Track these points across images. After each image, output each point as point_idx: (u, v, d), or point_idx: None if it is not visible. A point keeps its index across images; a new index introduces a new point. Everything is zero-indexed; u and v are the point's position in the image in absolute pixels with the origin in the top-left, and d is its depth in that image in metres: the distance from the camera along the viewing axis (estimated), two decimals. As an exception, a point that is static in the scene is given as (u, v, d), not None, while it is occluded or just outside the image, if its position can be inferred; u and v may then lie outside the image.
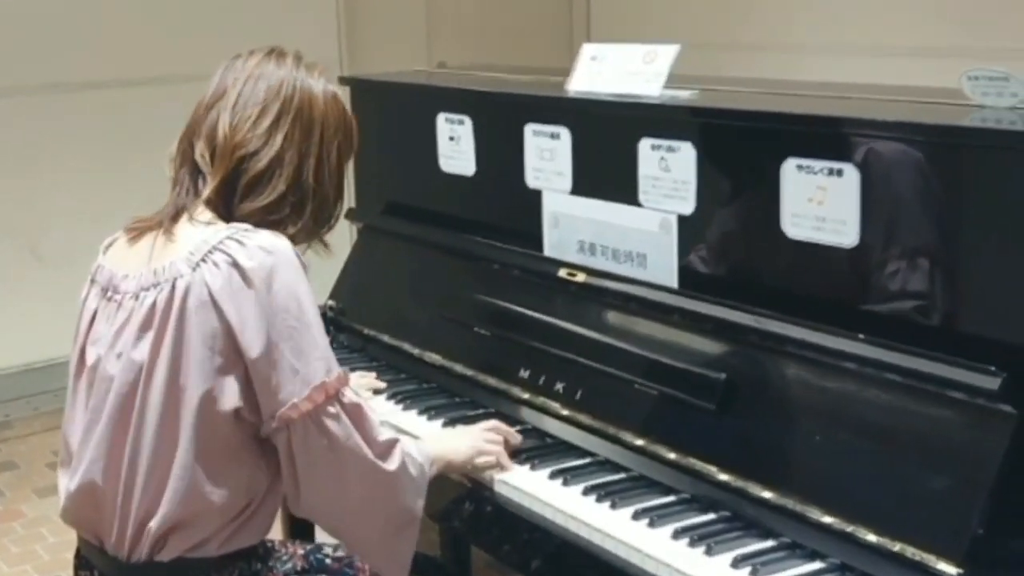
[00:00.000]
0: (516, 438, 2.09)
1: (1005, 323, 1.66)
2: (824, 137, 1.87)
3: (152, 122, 4.74)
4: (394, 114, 2.89)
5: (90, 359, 1.78)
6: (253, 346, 1.66)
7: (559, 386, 2.17)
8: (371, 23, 5.22)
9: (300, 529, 2.56)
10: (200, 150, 1.79)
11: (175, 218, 1.78)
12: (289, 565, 1.89)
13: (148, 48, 4.74)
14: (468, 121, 2.57)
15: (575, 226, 2.33)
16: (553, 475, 1.99)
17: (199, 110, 1.83)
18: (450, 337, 2.45)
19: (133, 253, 1.79)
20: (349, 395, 1.74)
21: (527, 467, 2.03)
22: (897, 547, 1.62)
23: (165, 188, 1.84)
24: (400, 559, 1.84)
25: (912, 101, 2.03)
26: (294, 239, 1.77)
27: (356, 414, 1.74)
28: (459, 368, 2.39)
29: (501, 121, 2.50)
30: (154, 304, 1.70)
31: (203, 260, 1.69)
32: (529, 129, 2.40)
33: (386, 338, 2.61)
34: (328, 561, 1.95)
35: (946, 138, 1.74)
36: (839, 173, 1.81)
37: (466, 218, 2.61)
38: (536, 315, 2.29)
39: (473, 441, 2.03)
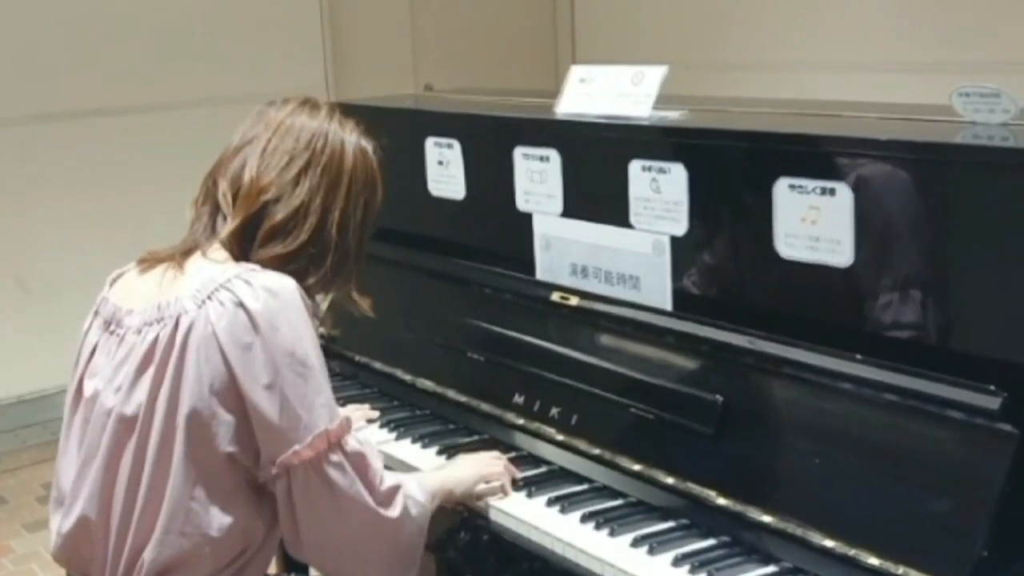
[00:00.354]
0: (515, 473, 2.06)
1: (1004, 341, 1.65)
2: (816, 156, 1.85)
3: (137, 151, 4.75)
4: (382, 139, 2.86)
5: (87, 392, 1.76)
6: (254, 390, 1.64)
7: (554, 411, 2.15)
8: (357, 47, 5.22)
9: (295, 562, 2.52)
10: (223, 189, 1.77)
11: (188, 254, 1.76)
12: None
13: (133, 77, 4.71)
14: (457, 145, 2.55)
15: (567, 249, 2.31)
16: (550, 502, 1.97)
17: (227, 152, 1.82)
18: (443, 363, 2.43)
19: (140, 286, 1.78)
20: (352, 443, 1.72)
21: (523, 494, 2.01)
22: (900, 571, 1.60)
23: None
24: None
25: (904, 118, 2.02)
26: (310, 290, 1.76)
27: (359, 462, 1.72)
28: (452, 394, 2.37)
29: (490, 144, 2.49)
30: (156, 340, 1.69)
31: (209, 298, 1.67)
32: (519, 152, 2.38)
33: (378, 365, 2.58)
34: None
35: (939, 155, 1.73)
36: (832, 192, 1.80)
37: (457, 242, 2.59)
38: (530, 339, 2.27)
39: (476, 468, 2.01)
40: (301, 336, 1.67)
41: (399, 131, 2.81)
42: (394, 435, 2.31)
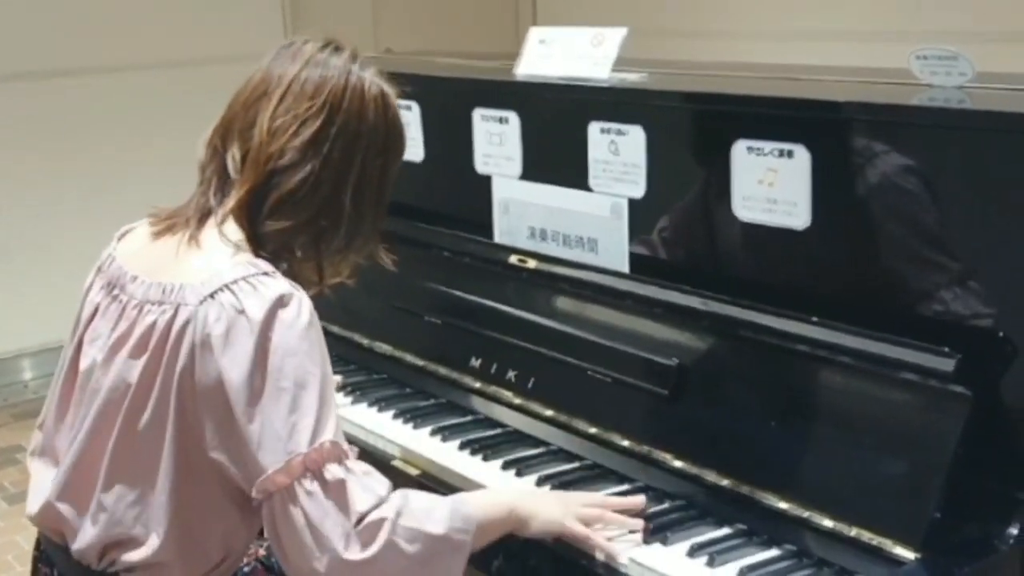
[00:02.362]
0: (636, 524, 1.75)
1: (959, 303, 1.65)
2: (774, 118, 1.85)
3: (94, 112, 4.69)
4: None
5: (84, 360, 1.67)
6: (238, 401, 1.53)
7: (511, 375, 2.14)
8: (316, 9, 5.16)
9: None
10: (232, 152, 1.64)
11: (201, 222, 1.65)
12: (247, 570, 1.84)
13: (92, 39, 4.66)
14: (416, 107, 2.53)
15: (525, 212, 2.30)
16: (506, 466, 1.96)
17: (236, 105, 1.68)
18: (400, 327, 2.41)
19: (150, 252, 1.67)
20: (334, 470, 1.53)
21: (479, 458, 2.00)
22: (854, 532, 1.61)
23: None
24: None
25: (861, 81, 2.02)
26: (324, 262, 1.67)
27: (337, 491, 1.53)
28: (410, 358, 2.35)
29: (449, 107, 2.46)
30: (154, 325, 1.58)
31: (211, 296, 1.55)
32: (478, 114, 2.36)
33: (336, 329, 2.55)
34: None
35: (896, 117, 1.73)
36: (790, 154, 1.79)
37: (415, 205, 2.56)
38: (487, 303, 2.25)
39: (570, 504, 1.76)
40: (296, 352, 1.54)
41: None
42: (350, 399, 2.29)
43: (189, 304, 1.56)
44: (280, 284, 1.58)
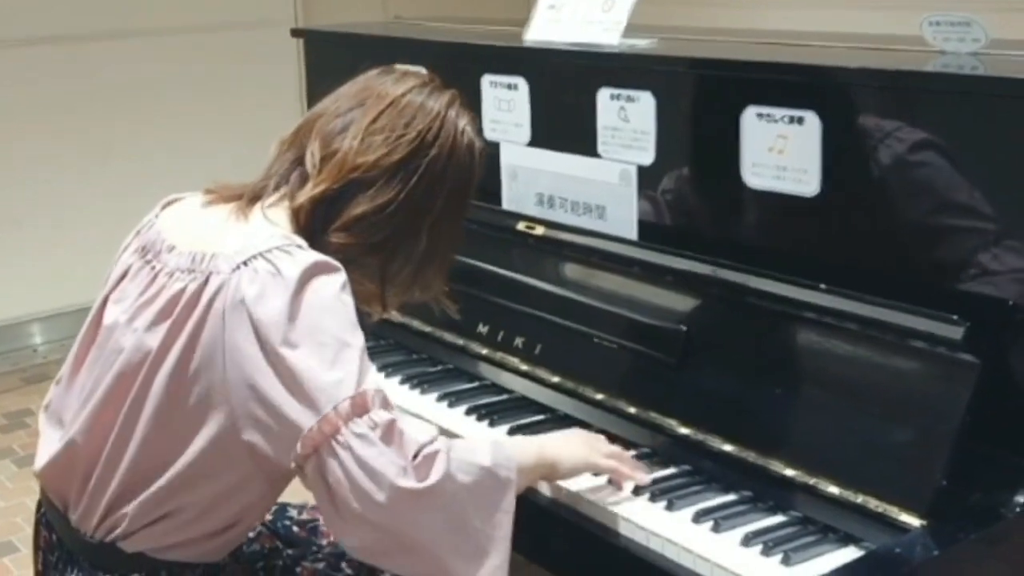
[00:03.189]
0: (643, 479, 1.79)
1: (968, 272, 1.64)
2: (784, 85, 1.84)
3: (101, 79, 4.68)
4: (349, 66, 2.80)
5: (107, 319, 1.64)
6: (275, 358, 1.47)
7: (518, 341, 2.14)
8: (326, -25, 5.14)
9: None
10: (313, 147, 1.62)
11: (254, 200, 1.62)
12: (256, 546, 1.83)
13: (105, 2, 4.64)
14: (424, 73, 2.51)
15: (533, 179, 2.29)
16: (511, 431, 1.96)
17: (331, 105, 1.67)
18: (407, 293, 2.41)
19: (194, 222, 1.64)
20: (379, 413, 1.49)
21: (485, 423, 2.00)
22: (860, 499, 1.61)
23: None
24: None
25: (873, 48, 2.00)
26: (386, 288, 1.65)
27: (387, 431, 1.49)
28: (416, 324, 2.35)
29: (457, 72, 2.43)
30: (183, 291, 1.55)
31: (245, 264, 1.52)
32: (486, 80, 2.35)
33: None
34: (295, 528, 1.89)
35: (908, 83, 1.71)
36: (800, 121, 1.78)
37: (423, 172, 2.56)
38: (495, 269, 2.25)
39: (587, 447, 1.78)
40: (334, 311, 1.50)
41: (366, 59, 2.76)
42: (357, 364, 2.29)
43: (221, 272, 1.53)
44: (315, 254, 1.54)
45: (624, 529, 1.69)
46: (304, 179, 1.62)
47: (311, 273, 1.51)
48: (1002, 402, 1.59)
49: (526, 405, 2.06)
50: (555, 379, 2.05)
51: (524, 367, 2.11)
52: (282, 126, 1.75)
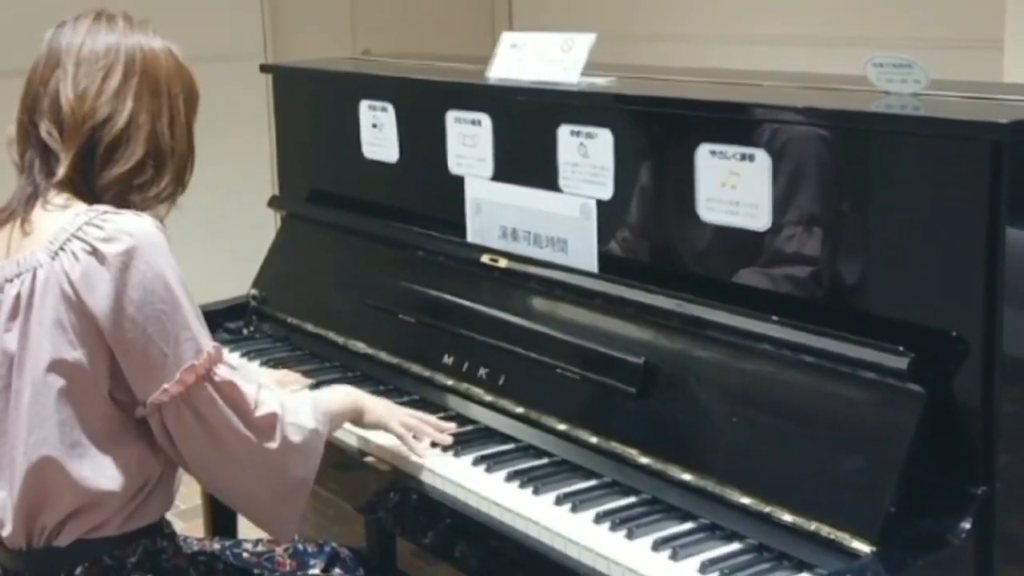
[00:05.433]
0: (445, 439, 2.07)
1: (912, 304, 1.69)
2: (736, 123, 1.89)
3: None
4: (317, 101, 2.87)
5: None
6: (116, 332, 1.63)
7: (482, 372, 2.18)
8: (295, 11, 5.17)
9: (223, 527, 2.56)
10: (46, 128, 1.72)
11: (29, 204, 1.72)
12: (199, 548, 1.88)
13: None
14: (391, 108, 2.56)
15: (497, 212, 2.33)
16: (476, 461, 2.00)
17: (33, 85, 1.76)
18: (374, 325, 2.44)
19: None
20: (222, 373, 1.70)
21: (450, 454, 2.04)
22: (813, 526, 1.64)
23: None
24: (287, 523, 1.82)
25: (820, 88, 2.06)
26: (160, 200, 1.76)
27: (229, 392, 1.70)
28: (383, 356, 2.39)
29: (423, 108, 2.50)
30: (18, 295, 1.66)
31: (62, 249, 1.64)
32: (451, 116, 2.39)
33: (310, 327, 2.60)
34: (246, 555, 1.94)
35: (853, 123, 1.77)
36: (751, 158, 1.84)
37: (389, 205, 2.61)
38: (459, 301, 2.29)
39: (392, 408, 2.06)
40: (162, 273, 1.65)
41: (334, 94, 2.82)
42: (325, 396, 2.32)
43: (44, 264, 1.65)
44: (123, 217, 1.66)
45: (585, 558, 1.73)
46: (57, 158, 1.71)
47: (125, 242, 1.63)
48: (948, 430, 1.64)
49: (490, 435, 2.10)
50: (519, 409, 2.09)
51: (488, 398, 2.15)
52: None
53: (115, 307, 1.62)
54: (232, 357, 1.81)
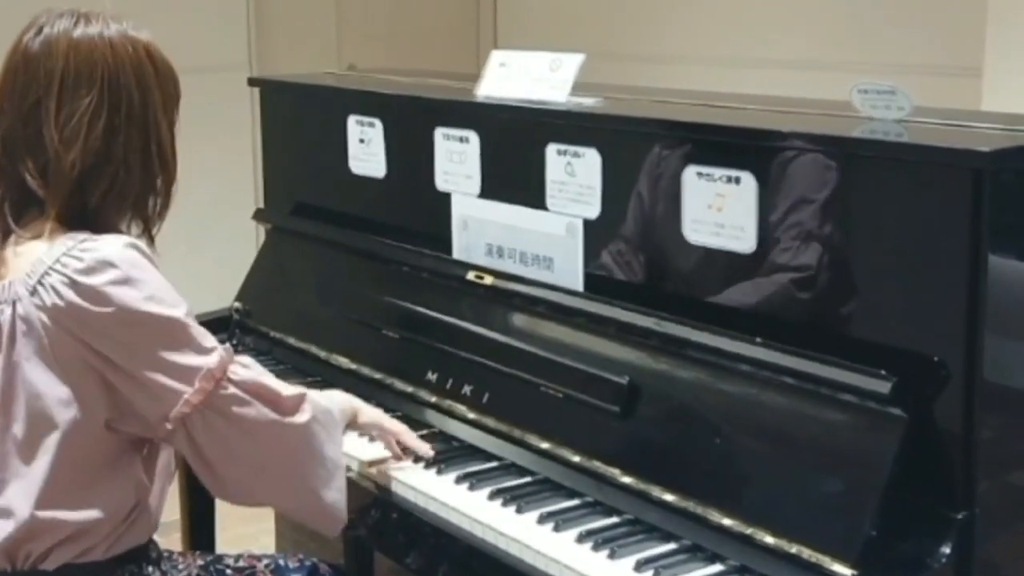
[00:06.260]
0: (428, 452, 2.07)
1: (895, 328, 1.70)
2: (723, 146, 1.90)
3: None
4: (305, 115, 2.87)
5: None
6: (120, 362, 1.61)
7: (466, 389, 2.18)
8: (281, 25, 5.18)
9: (200, 541, 2.55)
10: (28, 170, 1.67)
11: (4, 242, 1.70)
12: (185, 573, 1.87)
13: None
14: (379, 124, 2.57)
15: (483, 229, 2.34)
16: (459, 479, 2.00)
17: (8, 109, 1.69)
18: (358, 340, 2.44)
19: None
20: (239, 372, 1.70)
21: (433, 471, 2.04)
22: (794, 549, 1.64)
23: None
24: (334, 512, 1.82)
25: (806, 112, 2.08)
26: (152, 222, 1.76)
27: (253, 386, 1.70)
28: (367, 371, 2.39)
29: (411, 124, 2.51)
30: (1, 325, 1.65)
31: (40, 283, 1.61)
32: (439, 133, 2.40)
33: (293, 340, 2.59)
34: (228, 572, 1.93)
35: (837, 148, 1.78)
36: (737, 181, 1.85)
37: (376, 220, 2.61)
38: (444, 318, 2.30)
39: (380, 415, 2.07)
40: (151, 294, 1.63)
41: (321, 108, 2.82)
42: (308, 411, 2.32)
43: (23, 299, 1.62)
44: (101, 243, 1.63)
45: (565, 577, 1.73)
46: (35, 198, 1.68)
47: (108, 268, 1.60)
48: (928, 454, 1.65)
49: (473, 453, 2.10)
50: (502, 427, 2.09)
51: (472, 415, 2.15)
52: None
53: (110, 339, 1.60)
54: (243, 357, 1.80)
